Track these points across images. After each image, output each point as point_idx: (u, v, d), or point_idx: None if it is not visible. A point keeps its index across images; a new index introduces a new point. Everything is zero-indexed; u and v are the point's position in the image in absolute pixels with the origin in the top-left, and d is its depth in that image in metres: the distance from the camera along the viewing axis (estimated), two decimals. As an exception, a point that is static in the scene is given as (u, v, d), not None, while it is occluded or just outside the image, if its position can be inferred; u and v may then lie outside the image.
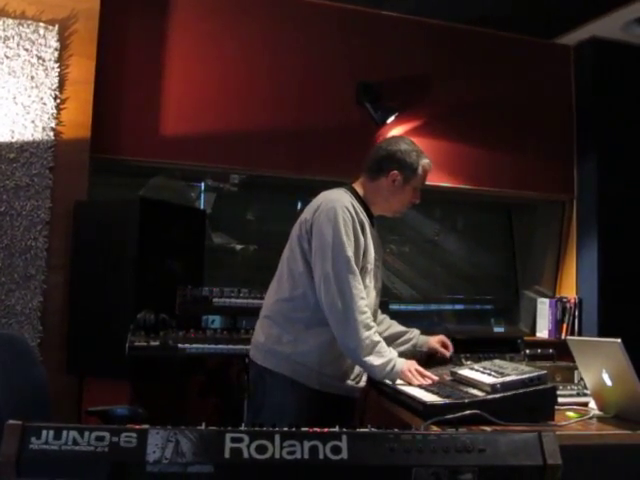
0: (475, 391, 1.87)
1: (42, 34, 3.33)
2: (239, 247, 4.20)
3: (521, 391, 1.80)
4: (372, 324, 2.12)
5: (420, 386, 2.04)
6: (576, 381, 2.21)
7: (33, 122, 3.28)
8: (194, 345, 2.87)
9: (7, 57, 3.28)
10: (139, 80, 3.67)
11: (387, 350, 2.11)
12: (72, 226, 3.30)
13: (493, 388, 1.82)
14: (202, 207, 4.10)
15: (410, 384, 2.07)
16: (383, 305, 2.51)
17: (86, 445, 1.06)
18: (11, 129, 3.25)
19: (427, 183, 2.39)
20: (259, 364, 2.22)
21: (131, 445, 1.07)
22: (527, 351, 2.52)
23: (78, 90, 3.39)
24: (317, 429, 1.12)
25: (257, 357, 2.25)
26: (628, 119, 4.35)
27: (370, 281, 2.25)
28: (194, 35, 3.79)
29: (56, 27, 3.36)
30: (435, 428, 1.64)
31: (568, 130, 4.51)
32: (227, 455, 1.07)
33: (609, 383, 1.89)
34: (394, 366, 2.09)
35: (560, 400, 1.93)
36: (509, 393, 1.79)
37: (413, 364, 2.14)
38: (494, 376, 1.89)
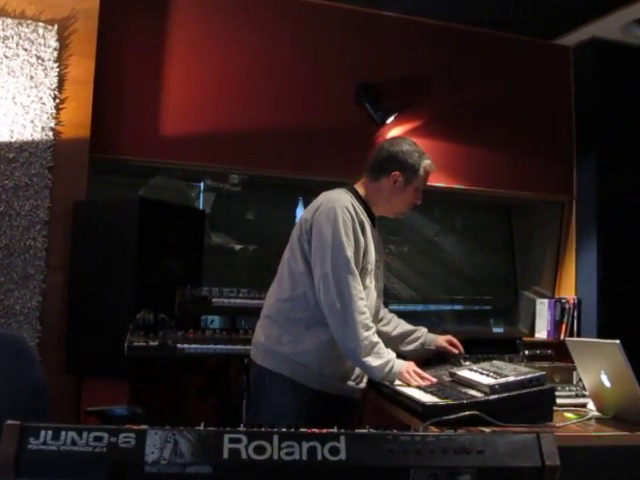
0: (474, 392, 1.87)
1: (41, 34, 3.33)
2: (238, 247, 4.20)
3: (520, 392, 1.80)
4: (371, 325, 2.11)
5: (419, 387, 2.04)
6: (575, 382, 2.22)
7: (32, 122, 3.28)
8: (193, 345, 2.87)
9: (6, 57, 3.27)
10: (139, 80, 3.67)
11: (386, 351, 2.11)
12: (71, 226, 3.30)
13: (492, 389, 1.82)
14: (202, 207, 4.10)
15: (409, 385, 2.07)
16: (383, 305, 2.51)
17: (84, 445, 1.06)
18: (10, 129, 3.25)
19: (427, 183, 2.39)
20: (259, 364, 2.23)
21: (129, 445, 1.07)
22: (526, 352, 2.52)
23: (77, 90, 3.39)
24: (315, 430, 1.12)
25: (257, 357, 2.25)
26: (628, 120, 4.35)
27: (370, 281, 2.25)
28: (194, 35, 3.79)
29: (55, 27, 3.36)
30: (434, 429, 1.64)
31: (567, 131, 4.51)
32: (226, 456, 1.07)
33: (608, 384, 1.89)
34: (392, 367, 2.09)
35: (559, 401, 1.93)
36: (508, 394, 1.80)
37: (411, 365, 2.14)
38: (493, 377, 1.89)
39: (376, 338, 2.11)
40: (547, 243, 4.64)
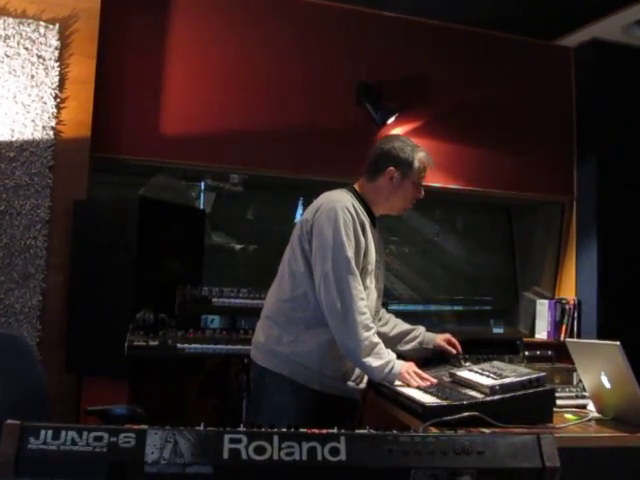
0: (474, 393, 1.87)
1: (42, 33, 3.33)
2: (238, 247, 4.20)
3: (520, 393, 1.80)
4: (371, 325, 2.11)
5: (419, 388, 2.04)
6: (575, 383, 2.21)
7: (33, 121, 3.28)
8: (193, 345, 2.87)
9: (7, 56, 3.28)
10: (139, 79, 3.67)
11: (386, 352, 2.11)
12: (72, 225, 3.30)
13: (492, 390, 1.82)
14: (202, 207, 4.10)
15: (409, 386, 2.07)
16: (382, 306, 2.51)
17: (84, 445, 1.06)
18: (11, 128, 3.25)
19: (426, 183, 2.39)
20: (259, 364, 2.22)
21: (129, 445, 1.06)
22: (526, 352, 2.51)
23: (78, 89, 3.39)
24: (315, 430, 1.12)
25: (257, 357, 2.25)
26: (628, 120, 4.35)
27: (371, 282, 2.25)
28: (195, 35, 3.79)
29: (57, 26, 3.36)
30: (434, 430, 1.64)
31: (568, 131, 4.51)
32: (226, 456, 1.07)
33: (608, 385, 1.89)
34: (393, 368, 2.08)
35: (559, 402, 1.93)
36: (508, 395, 1.80)
37: (412, 366, 2.14)
38: (493, 378, 1.89)
39: (376, 339, 2.10)
40: (547, 244, 4.64)
